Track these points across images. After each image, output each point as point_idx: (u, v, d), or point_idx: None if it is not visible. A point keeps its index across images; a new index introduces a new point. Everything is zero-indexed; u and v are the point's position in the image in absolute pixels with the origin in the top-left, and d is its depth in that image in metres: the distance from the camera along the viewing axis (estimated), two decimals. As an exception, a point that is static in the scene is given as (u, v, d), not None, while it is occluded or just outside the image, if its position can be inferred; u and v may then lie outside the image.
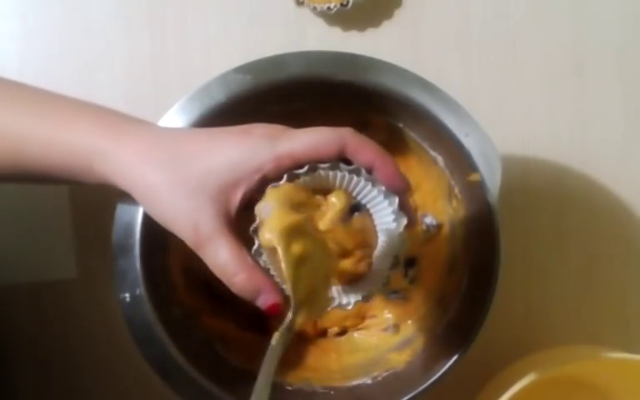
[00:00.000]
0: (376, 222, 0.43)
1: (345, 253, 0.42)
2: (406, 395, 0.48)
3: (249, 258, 0.41)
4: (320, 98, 0.51)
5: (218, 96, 0.48)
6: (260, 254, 0.41)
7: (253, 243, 0.40)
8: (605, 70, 0.63)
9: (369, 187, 0.41)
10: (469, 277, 0.51)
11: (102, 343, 0.61)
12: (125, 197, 0.44)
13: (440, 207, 0.56)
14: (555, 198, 0.63)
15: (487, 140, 0.48)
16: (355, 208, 0.42)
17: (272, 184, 0.40)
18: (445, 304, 0.53)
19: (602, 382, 0.60)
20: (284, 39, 0.62)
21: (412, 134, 0.52)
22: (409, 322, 0.56)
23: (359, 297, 0.42)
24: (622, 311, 0.64)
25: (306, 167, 0.40)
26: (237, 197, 0.41)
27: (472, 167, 0.48)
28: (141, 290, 0.48)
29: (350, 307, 0.42)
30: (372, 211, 0.42)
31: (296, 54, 0.49)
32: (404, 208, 0.41)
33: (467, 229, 0.53)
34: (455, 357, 0.48)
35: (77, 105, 0.45)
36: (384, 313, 0.57)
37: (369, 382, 0.52)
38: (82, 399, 0.62)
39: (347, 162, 0.41)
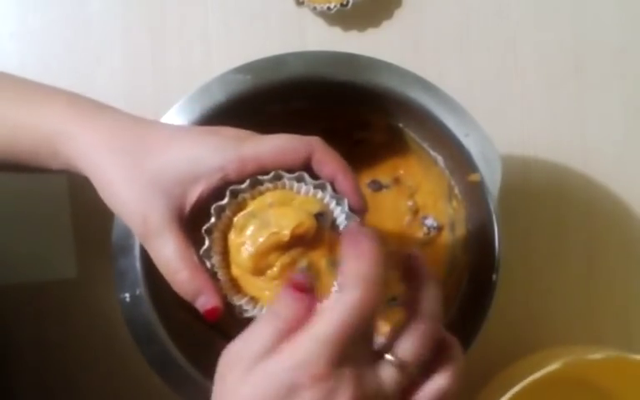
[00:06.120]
0: None
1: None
2: (406, 395, 0.48)
3: (195, 257, 0.39)
4: (320, 98, 0.51)
5: (218, 96, 0.48)
6: (209, 256, 0.39)
7: (204, 243, 0.39)
8: (605, 70, 0.63)
9: (333, 204, 0.40)
10: (469, 277, 0.51)
11: (102, 343, 0.61)
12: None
13: (440, 208, 0.56)
14: (555, 198, 0.63)
15: (487, 140, 0.48)
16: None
17: (232, 187, 0.39)
18: (445, 305, 0.53)
19: (602, 382, 0.60)
20: (284, 39, 0.62)
21: (412, 134, 0.52)
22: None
23: None
24: (623, 310, 0.64)
25: (271, 174, 0.39)
26: (194, 193, 0.39)
27: (472, 168, 0.48)
28: (141, 290, 0.48)
29: None
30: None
31: (296, 54, 0.49)
32: None
33: (467, 229, 0.53)
34: (455, 357, 0.48)
35: (52, 92, 0.44)
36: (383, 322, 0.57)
37: (369, 382, 0.52)
38: (81, 399, 0.62)
39: (313, 175, 0.39)
